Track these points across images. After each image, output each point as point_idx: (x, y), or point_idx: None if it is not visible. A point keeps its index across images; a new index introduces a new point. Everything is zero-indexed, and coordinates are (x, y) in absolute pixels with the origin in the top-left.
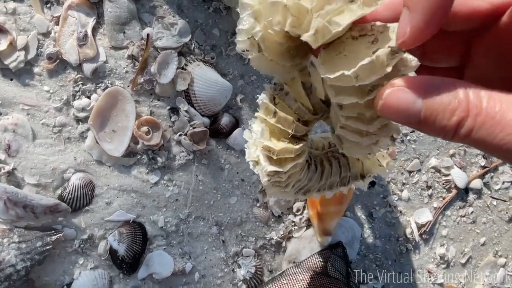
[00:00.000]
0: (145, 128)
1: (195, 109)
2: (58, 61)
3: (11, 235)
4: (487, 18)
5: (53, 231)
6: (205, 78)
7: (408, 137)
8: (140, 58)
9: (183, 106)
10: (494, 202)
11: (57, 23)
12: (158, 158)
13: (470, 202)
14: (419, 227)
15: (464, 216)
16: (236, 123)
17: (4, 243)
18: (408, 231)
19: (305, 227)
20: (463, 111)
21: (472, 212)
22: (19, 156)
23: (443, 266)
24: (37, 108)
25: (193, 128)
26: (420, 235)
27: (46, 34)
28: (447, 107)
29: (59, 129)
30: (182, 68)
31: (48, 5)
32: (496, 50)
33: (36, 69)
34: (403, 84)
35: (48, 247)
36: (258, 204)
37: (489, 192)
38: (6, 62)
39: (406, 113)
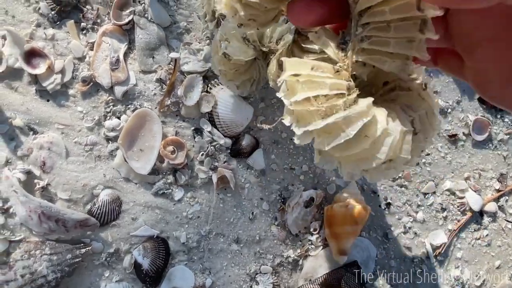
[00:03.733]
0: (170, 148)
1: (218, 130)
2: (91, 83)
3: (43, 247)
4: None
5: (82, 244)
6: (228, 101)
7: (423, 160)
8: (168, 82)
9: (207, 127)
10: (509, 226)
11: (91, 49)
12: (182, 176)
13: (485, 225)
14: (434, 248)
15: (479, 239)
16: (257, 144)
17: (37, 255)
18: (423, 252)
19: (322, 246)
20: None
21: (487, 235)
22: (53, 173)
23: None
24: (71, 128)
25: (221, 169)
26: (435, 256)
27: (81, 59)
28: None
29: (91, 148)
30: (207, 91)
31: (84, 31)
32: None
33: (71, 91)
34: None
35: (77, 260)
36: (276, 223)
37: (504, 216)
38: (44, 84)
39: None
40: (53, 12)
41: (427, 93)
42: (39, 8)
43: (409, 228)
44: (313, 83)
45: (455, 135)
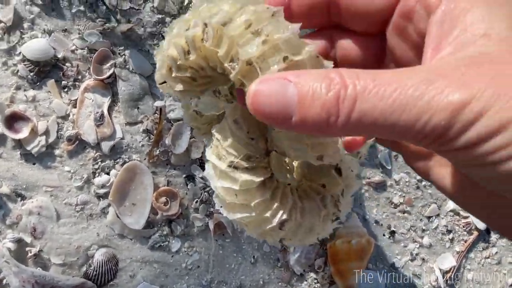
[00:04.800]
0: (163, 199)
1: None
2: (77, 142)
3: None
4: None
5: None
6: None
7: (424, 183)
8: (155, 131)
9: (199, 173)
10: None
11: (74, 106)
12: (178, 227)
13: (493, 243)
14: (444, 273)
15: (488, 258)
16: None
17: None
18: (433, 278)
19: (328, 284)
20: (338, 84)
21: (496, 253)
22: (44, 238)
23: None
24: (59, 189)
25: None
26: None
27: (65, 117)
28: (321, 84)
29: (82, 207)
30: (195, 137)
31: (66, 89)
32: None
33: (57, 151)
34: (269, 77)
35: None
36: (279, 264)
37: None
38: (28, 148)
39: (280, 101)
40: (32, 74)
41: (345, 177)
42: (17, 71)
43: (416, 254)
44: (227, 177)
45: None
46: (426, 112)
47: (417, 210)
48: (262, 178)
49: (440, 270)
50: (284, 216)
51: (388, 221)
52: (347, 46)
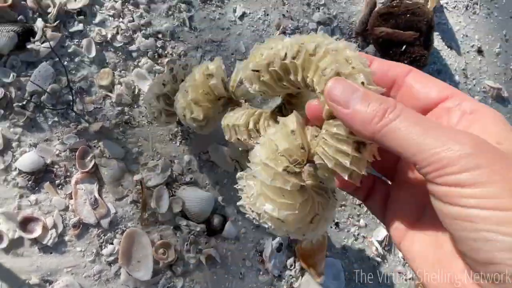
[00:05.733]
0: (161, 251)
1: (192, 221)
2: (81, 226)
3: None
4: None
5: None
6: (192, 197)
7: None
8: (140, 200)
9: (183, 222)
10: None
11: (71, 198)
12: (178, 268)
13: None
14: (381, 243)
15: None
16: (225, 219)
17: None
18: (374, 249)
19: (301, 276)
20: (391, 105)
21: None
22: None
23: (408, 264)
24: (77, 267)
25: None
26: (383, 248)
27: (66, 209)
28: (379, 98)
29: (99, 276)
30: (173, 195)
31: (60, 186)
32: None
33: (67, 238)
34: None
35: None
36: (261, 273)
37: None
38: (44, 242)
39: (348, 94)
40: (30, 182)
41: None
42: (17, 183)
43: (358, 234)
44: (282, 179)
45: None
46: (441, 147)
47: (350, 202)
48: (302, 182)
49: (378, 241)
50: (317, 212)
51: None
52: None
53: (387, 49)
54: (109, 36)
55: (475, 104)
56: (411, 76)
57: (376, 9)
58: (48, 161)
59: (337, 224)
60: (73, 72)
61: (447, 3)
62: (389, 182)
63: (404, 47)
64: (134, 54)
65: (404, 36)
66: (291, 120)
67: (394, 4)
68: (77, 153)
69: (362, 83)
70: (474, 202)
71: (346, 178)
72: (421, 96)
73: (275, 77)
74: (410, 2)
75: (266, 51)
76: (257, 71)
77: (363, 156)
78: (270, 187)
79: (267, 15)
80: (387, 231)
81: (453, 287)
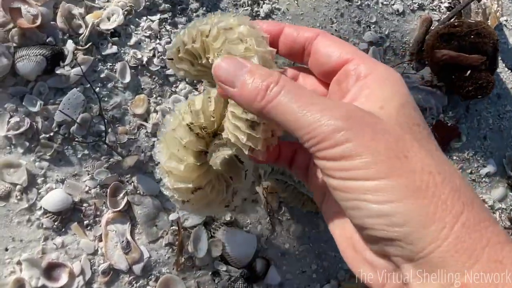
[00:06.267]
0: None
1: (232, 266)
2: (111, 272)
3: None
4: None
5: None
6: (233, 239)
7: None
8: (177, 242)
9: (222, 267)
10: None
11: (100, 240)
12: None
13: None
14: None
15: None
16: (268, 263)
17: None
18: None
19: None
20: (273, 80)
21: None
22: None
23: None
24: None
25: None
26: None
27: (95, 253)
28: (263, 74)
29: None
30: (212, 237)
31: (88, 227)
32: None
33: (95, 286)
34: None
35: None
36: None
37: None
38: None
39: (232, 73)
40: (56, 223)
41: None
42: (42, 224)
43: None
44: (184, 131)
45: None
46: (316, 123)
47: None
48: (202, 148)
49: None
50: (202, 184)
51: None
52: (307, 82)
53: (449, 73)
54: (145, 59)
55: (370, 66)
56: (318, 40)
57: (434, 28)
58: (77, 199)
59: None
60: (106, 99)
61: (506, 20)
62: None
63: (468, 72)
64: (172, 79)
65: (471, 60)
66: (214, 90)
67: (456, 24)
68: (108, 190)
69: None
70: (346, 174)
71: (246, 153)
72: (324, 61)
73: (188, 63)
74: (473, 21)
75: (174, 39)
76: (171, 59)
77: (256, 133)
78: (170, 138)
79: None
80: (312, 192)
81: (353, 246)
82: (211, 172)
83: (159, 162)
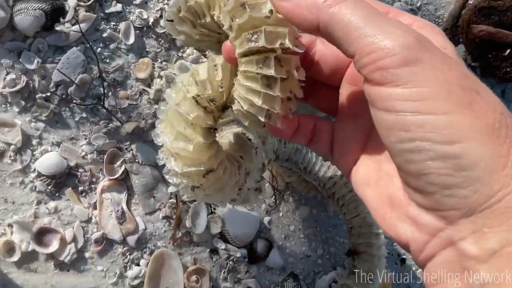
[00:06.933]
0: (194, 278)
1: (232, 245)
2: (104, 241)
3: None
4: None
5: None
6: (233, 216)
7: None
8: (174, 216)
9: (221, 245)
10: None
11: (95, 208)
12: None
13: None
14: None
15: None
16: (270, 245)
17: None
18: None
19: None
20: None
21: None
22: None
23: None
24: None
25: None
26: None
27: (88, 221)
28: None
29: None
30: (212, 213)
31: (83, 194)
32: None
33: (87, 254)
34: None
35: None
36: None
37: None
38: (61, 258)
39: None
40: (49, 187)
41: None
42: (35, 187)
43: None
44: (190, 104)
45: None
46: (383, 34)
47: None
48: (211, 124)
49: None
50: (214, 165)
51: (398, 250)
52: (327, 46)
53: (486, 52)
54: (151, 20)
55: (412, 17)
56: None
57: (472, 2)
58: (72, 163)
59: (403, 261)
60: (107, 60)
61: None
62: (332, 119)
63: (508, 51)
64: (179, 43)
65: (511, 38)
66: (220, 57)
67: None
68: (105, 156)
69: (271, 11)
70: (409, 105)
71: (262, 119)
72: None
73: (189, 25)
74: None
75: None
76: (171, 21)
77: (274, 91)
78: (173, 115)
79: None
80: (336, 165)
81: (390, 203)
82: (222, 152)
83: (161, 145)
